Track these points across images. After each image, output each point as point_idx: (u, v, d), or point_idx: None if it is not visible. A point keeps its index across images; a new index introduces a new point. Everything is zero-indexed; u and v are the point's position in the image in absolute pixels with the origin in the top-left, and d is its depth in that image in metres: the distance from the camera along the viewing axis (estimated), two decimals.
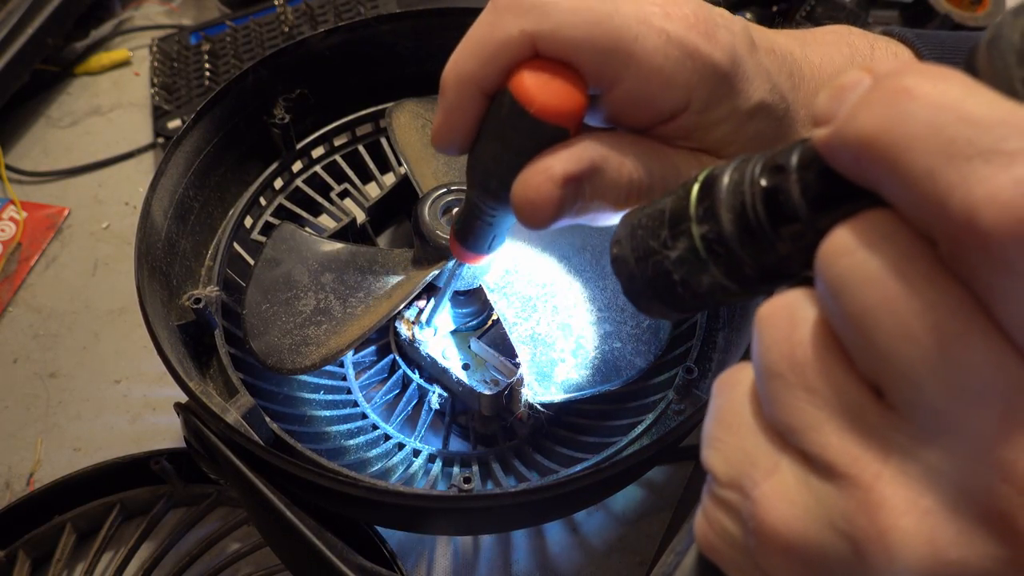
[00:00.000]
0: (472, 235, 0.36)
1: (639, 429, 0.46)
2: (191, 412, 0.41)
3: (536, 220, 0.30)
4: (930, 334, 0.16)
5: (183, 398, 0.42)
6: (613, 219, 0.32)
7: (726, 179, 0.22)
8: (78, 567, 0.51)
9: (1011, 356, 0.16)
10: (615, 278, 0.26)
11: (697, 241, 0.23)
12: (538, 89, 0.29)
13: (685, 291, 0.24)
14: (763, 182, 0.20)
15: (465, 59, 0.30)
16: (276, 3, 0.81)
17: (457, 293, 0.51)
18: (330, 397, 0.54)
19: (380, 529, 0.48)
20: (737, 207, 0.21)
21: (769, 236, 0.21)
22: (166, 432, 0.58)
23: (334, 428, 0.51)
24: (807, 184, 0.19)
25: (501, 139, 0.30)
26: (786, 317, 0.20)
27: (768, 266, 0.21)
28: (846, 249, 0.17)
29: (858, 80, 0.18)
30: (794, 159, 0.20)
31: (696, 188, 0.23)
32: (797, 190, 0.20)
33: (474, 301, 0.52)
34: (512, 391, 0.48)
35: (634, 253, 0.25)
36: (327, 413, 0.52)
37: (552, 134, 0.29)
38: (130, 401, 0.60)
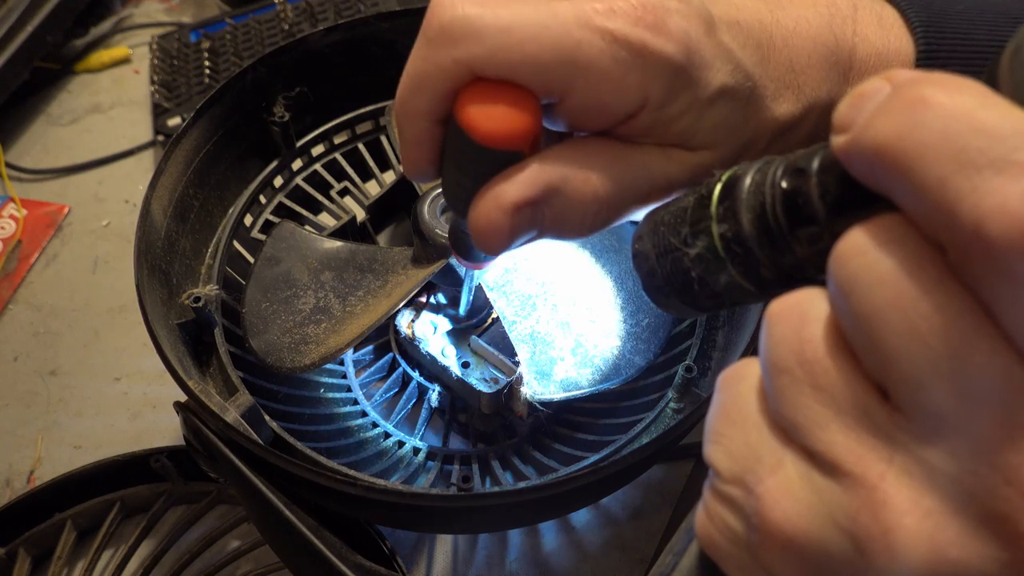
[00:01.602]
0: (463, 248, 0.36)
1: (639, 427, 0.46)
2: (190, 411, 0.41)
3: (491, 248, 0.29)
4: (937, 336, 0.16)
5: (183, 396, 0.42)
6: (585, 236, 0.31)
7: (748, 180, 0.22)
8: (78, 565, 0.51)
9: (1016, 363, 0.16)
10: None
11: (716, 240, 0.23)
12: (481, 117, 0.27)
13: (702, 289, 0.24)
14: (783, 184, 0.21)
15: (408, 94, 0.29)
16: (276, 1, 0.81)
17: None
18: (330, 395, 0.54)
19: (379, 526, 0.48)
20: (757, 208, 0.21)
21: (787, 237, 0.21)
22: (166, 430, 0.58)
23: (333, 426, 0.51)
24: (826, 188, 0.20)
25: (457, 166, 0.29)
26: (797, 314, 0.20)
27: (785, 268, 0.21)
28: (859, 249, 0.18)
29: (877, 88, 0.18)
30: (815, 163, 0.20)
31: (718, 188, 0.23)
32: (816, 193, 0.20)
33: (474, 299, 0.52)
34: (512, 389, 0.48)
35: (655, 249, 0.26)
36: (326, 411, 0.52)
37: (504, 158, 0.28)
38: (130, 399, 0.60)
